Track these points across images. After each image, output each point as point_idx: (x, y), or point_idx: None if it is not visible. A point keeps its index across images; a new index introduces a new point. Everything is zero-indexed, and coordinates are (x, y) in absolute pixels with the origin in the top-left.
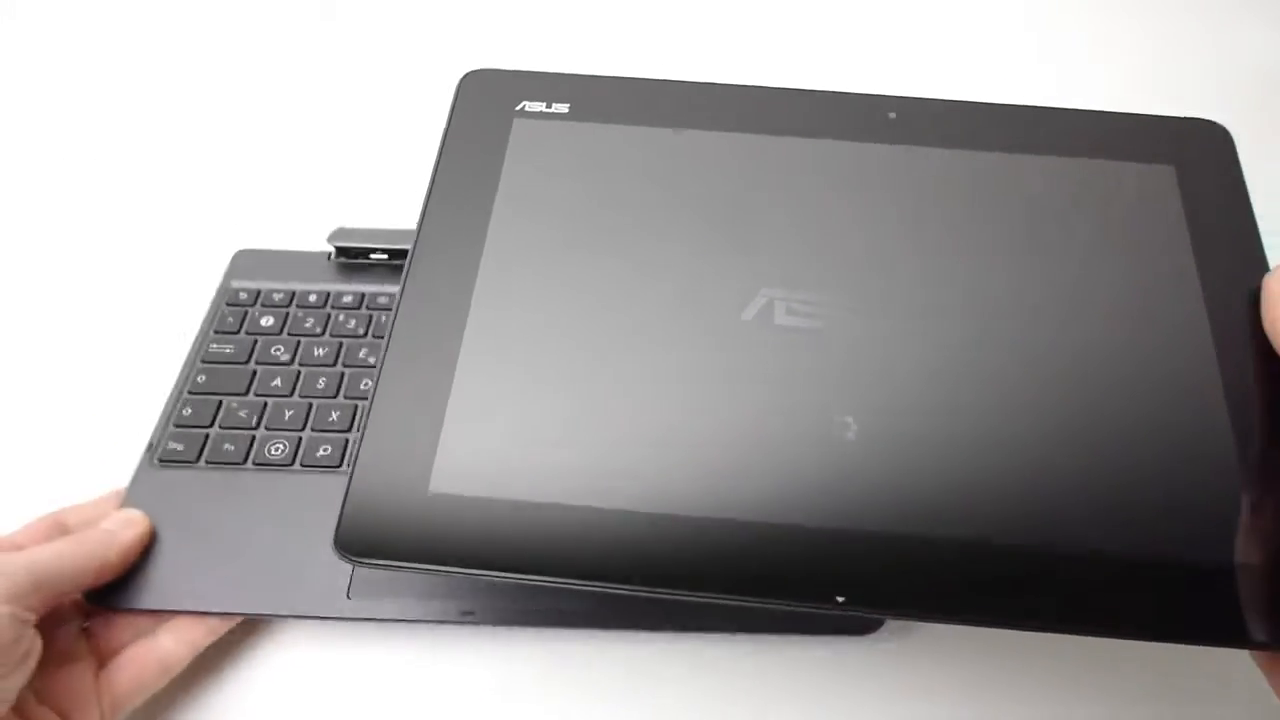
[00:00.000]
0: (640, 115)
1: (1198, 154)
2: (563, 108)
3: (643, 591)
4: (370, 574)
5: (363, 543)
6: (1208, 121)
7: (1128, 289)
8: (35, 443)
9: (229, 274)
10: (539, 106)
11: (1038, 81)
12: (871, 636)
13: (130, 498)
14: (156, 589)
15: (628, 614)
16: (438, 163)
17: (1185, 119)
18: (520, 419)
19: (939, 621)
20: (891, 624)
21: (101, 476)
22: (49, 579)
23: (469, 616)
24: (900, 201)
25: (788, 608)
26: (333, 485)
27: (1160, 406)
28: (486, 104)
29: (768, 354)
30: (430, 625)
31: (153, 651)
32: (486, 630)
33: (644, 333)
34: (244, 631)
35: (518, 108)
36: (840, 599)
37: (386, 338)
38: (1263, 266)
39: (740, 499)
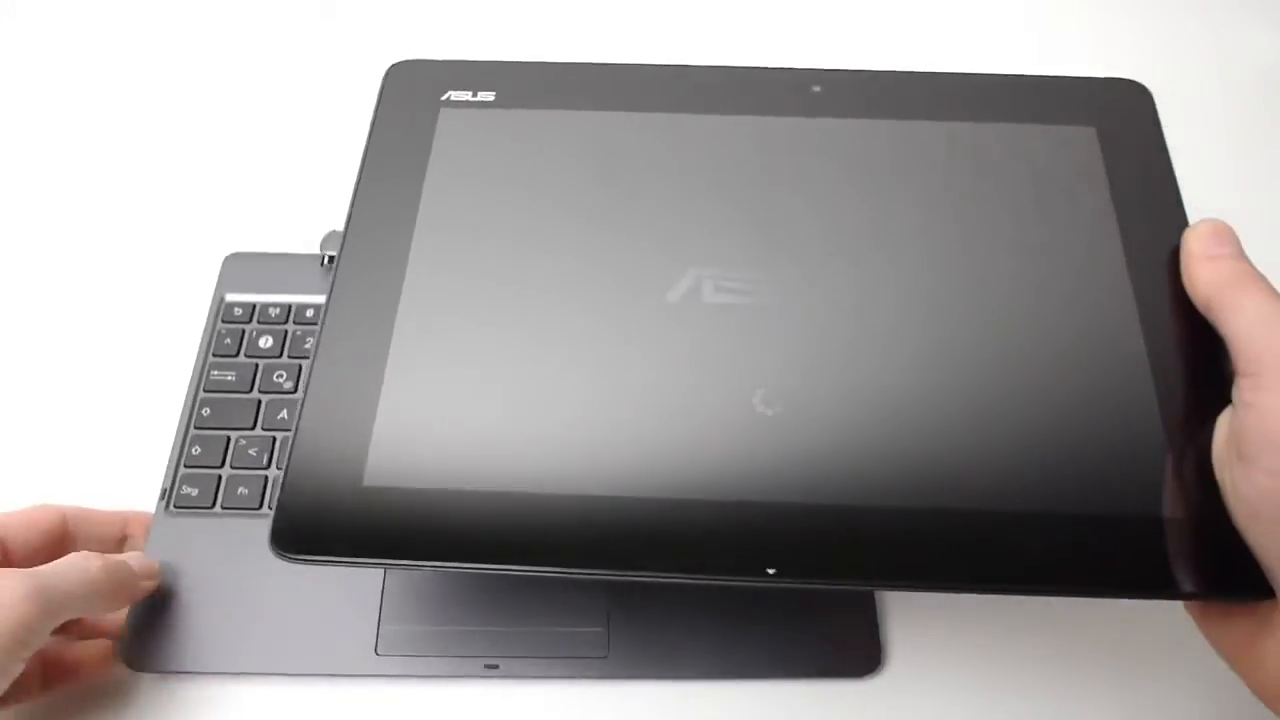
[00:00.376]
0: (566, 99)
1: (1118, 114)
2: (489, 95)
3: (576, 574)
4: (397, 629)
5: (299, 541)
6: (1128, 81)
7: (1053, 252)
8: (36, 467)
9: (221, 283)
10: (465, 95)
11: None
12: (869, 679)
13: (151, 550)
14: (181, 650)
15: (641, 662)
16: (365, 156)
17: (1106, 79)
18: (453, 410)
19: (868, 588)
20: (891, 666)
21: (105, 500)
22: (73, 609)
23: (493, 670)
24: (827, 174)
25: (719, 582)
26: None
27: (1085, 366)
28: (413, 95)
29: (697, 332)
30: (457, 680)
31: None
32: (513, 683)
33: (575, 318)
34: (268, 685)
35: (443, 97)
36: (771, 571)
37: (318, 332)
38: (1183, 223)
39: (671, 477)
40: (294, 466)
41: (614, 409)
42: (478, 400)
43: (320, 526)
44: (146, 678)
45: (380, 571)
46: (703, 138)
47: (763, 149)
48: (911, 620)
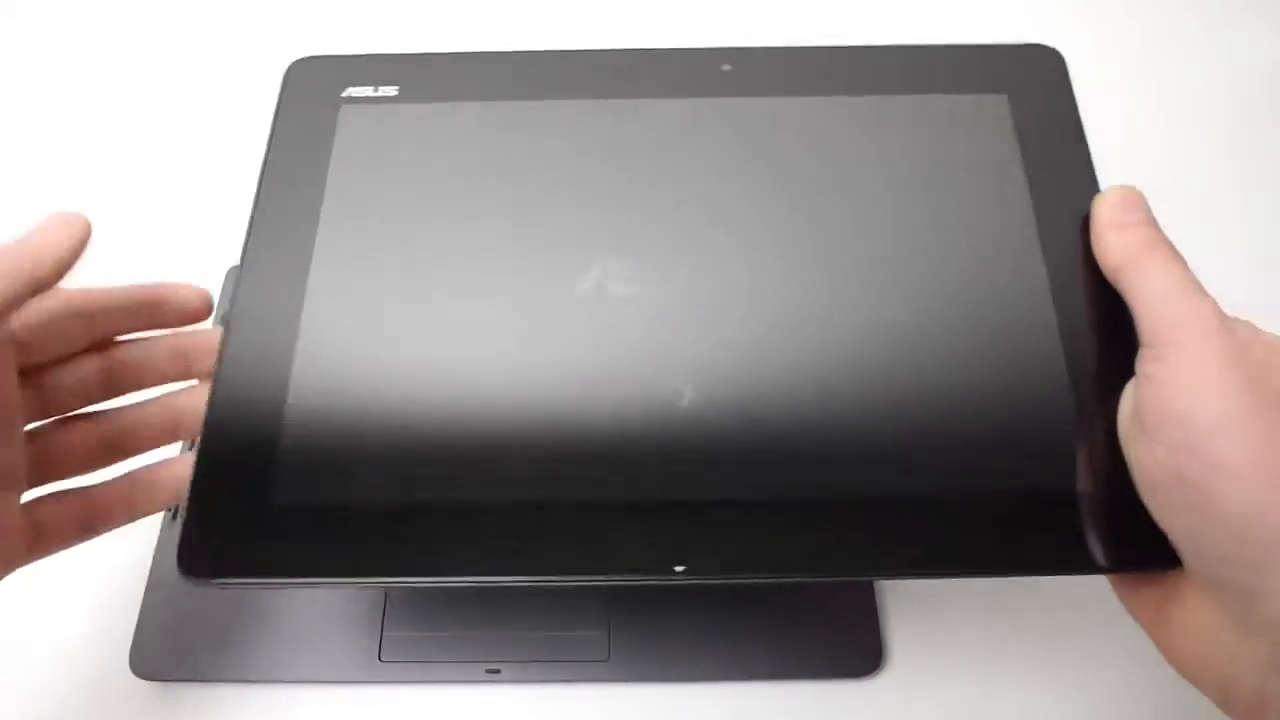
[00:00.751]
0: (469, 90)
1: (1030, 80)
2: (391, 90)
3: (481, 582)
4: (400, 635)
5: (207, 563)
6: (1039, 46)
7: (964, 225)
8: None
9: (224, 297)
10: (366, 91)
11: None
12: (870, 680)
13: (156, 559)
14: (187, 659)
15: (642, 665)
16: (265, 161)
17: (1017, 45)
18: (359, 421)
19: (782, 580)
20: (894, 665)
21: None
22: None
23: (495, 675)
24: (739, 156)
25: (629, 582)
26: None
27: (996, 342)
28: (313, 93)
29: (604, 326)
30: (459, 685)
31: (83, 506)
32: (515, 687)
33: (482, 318)
34: (273, 691)
35: (344, 94)
36: (679, 569)
37: (221, 346)
38: (1094, 189)
39: (578, 477)
40: (198, 483)
41: (522, 412)
42: (385, 409)
43: (230, 548)
44: (153, 686)
45: None
46: (613, 123)
47: (675, 133)
48: (912, 620)
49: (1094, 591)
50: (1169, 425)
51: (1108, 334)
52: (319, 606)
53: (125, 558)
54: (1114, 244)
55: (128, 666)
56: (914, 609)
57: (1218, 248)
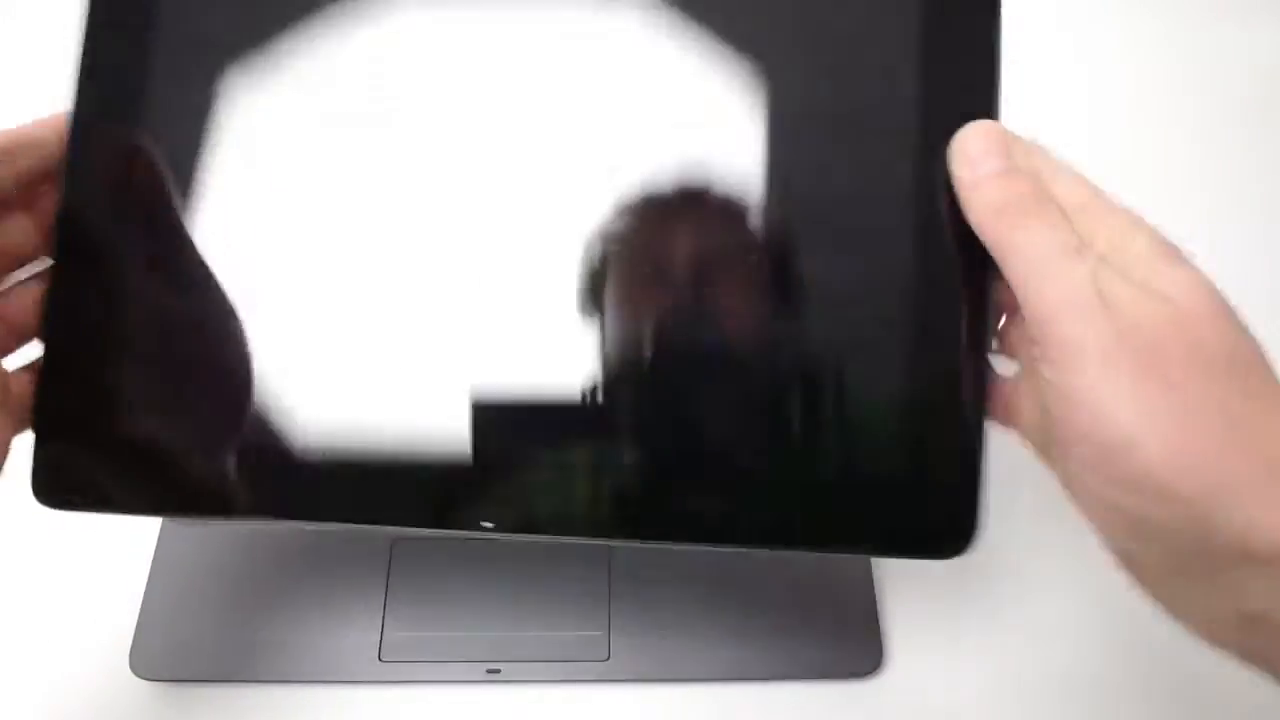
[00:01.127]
0: None
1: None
2: None
3: (316, 524)
4: (400, 635)
5: (61, 487)
6: None
7: (839, 179)
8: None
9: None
10: None
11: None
12: (870, 680)
13: (156, 558)
14: (187, 658)
15: (642, 665)
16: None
17: None
18: (195, 352)
19: (607, 541)
20: (894, 665)
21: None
22: None
23: (495, 675)
24: (589, 75)
25: (440, 535)
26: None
27: (853, 317)
28: None
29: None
30: (459, 685)
31: None
32: (515, 687)
33: (322, 248)
34: (273, 691)
35: None
36: (487, 524)
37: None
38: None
39: (394, 433)
40: (43, 410)
41: (333, 363)
42: (226, 341)
43: (87, 473)
44: (153, 686)
45: (383, 579)
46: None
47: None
48: (912, 620)
49: (1098, 592)
50: (1083, 445)
51: (976, 310)
52: (319, 606)
53: (125, 558)
54: (975, 206)
55: (128, 666)
56: (914, 608)
57: (1217, 247)
